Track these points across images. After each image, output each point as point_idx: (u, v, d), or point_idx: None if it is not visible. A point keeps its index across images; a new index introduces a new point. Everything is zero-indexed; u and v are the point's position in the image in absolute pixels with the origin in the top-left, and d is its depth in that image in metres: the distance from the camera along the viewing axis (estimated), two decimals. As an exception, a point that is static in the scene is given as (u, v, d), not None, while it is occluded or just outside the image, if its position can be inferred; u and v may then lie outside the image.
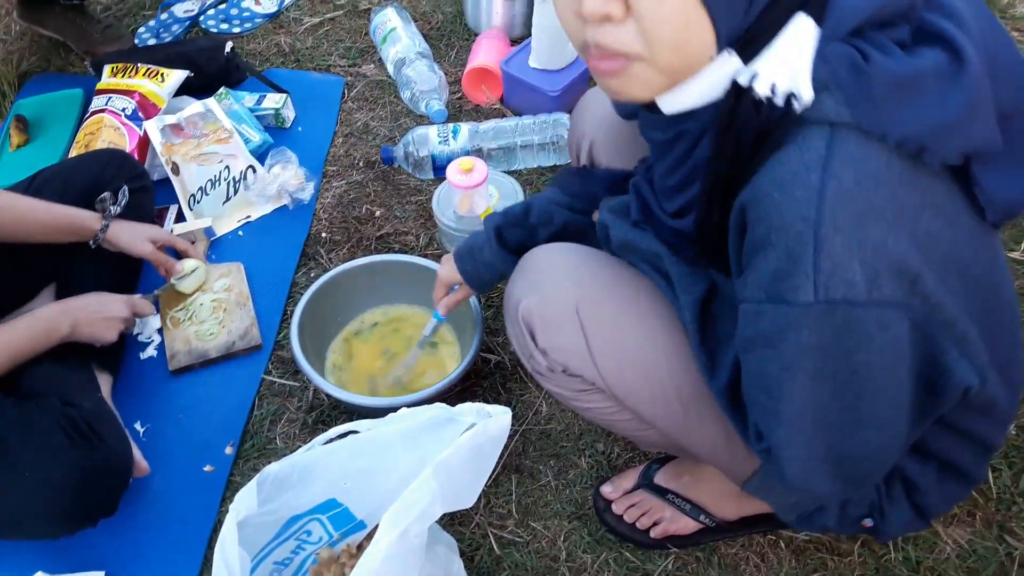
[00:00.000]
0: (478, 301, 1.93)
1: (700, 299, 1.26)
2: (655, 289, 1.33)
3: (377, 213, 2.35)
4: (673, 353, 1.34)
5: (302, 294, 2.00)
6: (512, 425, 1.79)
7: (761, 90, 1.05)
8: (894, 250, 1.03)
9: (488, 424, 1.33)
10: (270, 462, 1.50)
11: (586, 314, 1.35)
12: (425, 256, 2.19)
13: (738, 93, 1.07)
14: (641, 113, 1.25)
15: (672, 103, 1.16)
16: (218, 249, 2.29)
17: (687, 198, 1.21)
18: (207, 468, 1.86)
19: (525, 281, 1.39)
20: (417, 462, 1.39)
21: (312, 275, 2.20)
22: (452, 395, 1.89)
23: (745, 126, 1.05)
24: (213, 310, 2.10)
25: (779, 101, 1.04)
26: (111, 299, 1.81)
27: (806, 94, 1.03)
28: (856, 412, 1.12)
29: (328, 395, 1.80)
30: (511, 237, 1.56)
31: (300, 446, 1.69)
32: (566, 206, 1.53)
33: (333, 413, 1.94)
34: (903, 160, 1.04)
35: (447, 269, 1.68)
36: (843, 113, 1.03)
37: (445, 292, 1.74)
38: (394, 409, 1.45)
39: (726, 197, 1.10)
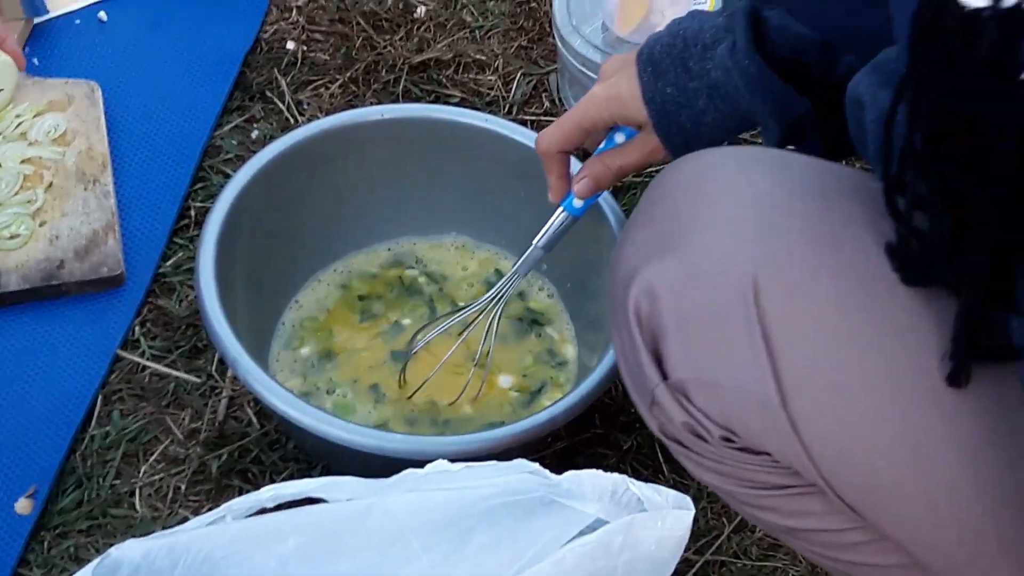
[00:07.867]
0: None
1: None
2: None
3: (420, 11, 1.81)
4: (982, 421, 0.95)
5: (230, 174, 1.50)
6: (689, 545, 1.22)
7: None
8: None
9: (639, 527, 0.96)
10: (117, 540, 1.26)
11: (777, 306, 0.96)
12: (520, 121, 1.61)
13: None
14: None
15: None
16: (49, 45, 1.75)
17: None
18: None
19: (654, 230, 1.04)
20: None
21: (253, 136, 1.64)
22: (551, 449, 1.38)
23: None
24: (22, 184, 1.52)
25: None
26: None
27: None
28: None
29: (274, 408, 1.26)
30: (779, 37, 1.13)
31: (187, 517, 1.34)
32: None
33: (271, 452, 1.41)
34: None
35: (609, 89, 1.21)
36: None
37: (586, 137, 1.26)
38: (419, 462, 1.06)
39: None
